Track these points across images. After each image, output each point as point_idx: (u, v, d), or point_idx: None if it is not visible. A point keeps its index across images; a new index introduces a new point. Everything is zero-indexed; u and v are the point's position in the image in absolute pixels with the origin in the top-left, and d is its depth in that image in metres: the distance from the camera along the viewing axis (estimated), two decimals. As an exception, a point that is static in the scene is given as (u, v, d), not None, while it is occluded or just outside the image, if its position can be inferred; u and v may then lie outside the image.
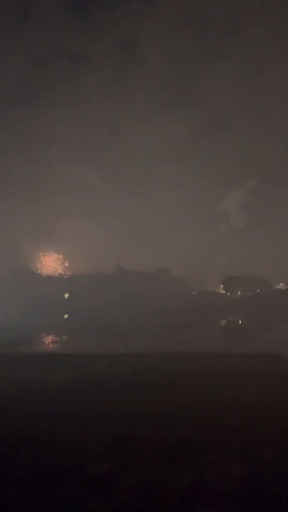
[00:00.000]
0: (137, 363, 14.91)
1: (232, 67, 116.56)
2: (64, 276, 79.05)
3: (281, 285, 76.89)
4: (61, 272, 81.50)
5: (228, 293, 76.41)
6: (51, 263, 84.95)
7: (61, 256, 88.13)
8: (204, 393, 9.79)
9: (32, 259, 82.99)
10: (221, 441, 6.51)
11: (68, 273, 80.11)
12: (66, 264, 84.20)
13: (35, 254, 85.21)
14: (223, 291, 77.84)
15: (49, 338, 28.11)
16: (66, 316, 57.84)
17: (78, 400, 9.22)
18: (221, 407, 8.51)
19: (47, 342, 25.84)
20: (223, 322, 52.21)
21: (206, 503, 4.66)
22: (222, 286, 78.42)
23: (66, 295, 74.58)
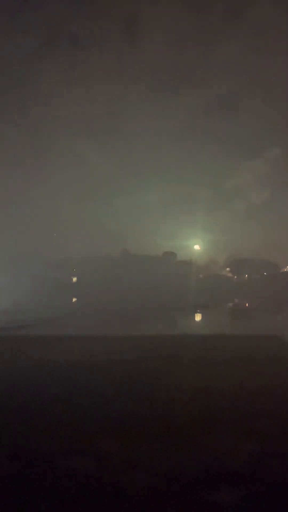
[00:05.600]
0: (143, 344, 15.15)
1: (235, 47, 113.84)
2: (72, 261, 79.44)
3: (288, 268, 76.69)
4: (69, 256, 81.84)
5: (235, 276, 76.45)
6: (59, 247, 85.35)
7: (69, 240, 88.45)
8: (199, 374, 9.99)
9: (41, 243, 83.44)
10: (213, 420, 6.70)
11: (76, 257, 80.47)
12: (75, 249, 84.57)
13: (44, 238, 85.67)
14: (230, 274, 77.87)
15: (57, 321, 28.51)
16: (74, 299, 58.40)
17: (83, 380, 9.47)
18: (213, 387, 8.69)
19: (55, 325, 26.23)
20: (230, 304, 52.41)
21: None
22: (228, 269, 78.45)
23: (74, 279, 75.17)
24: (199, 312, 37.63)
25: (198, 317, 33.50)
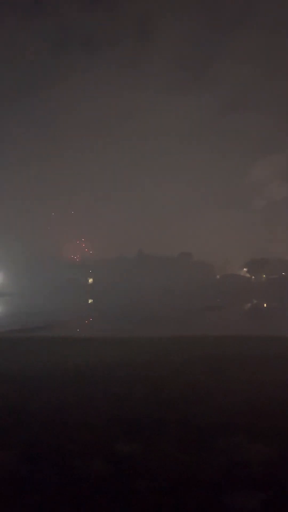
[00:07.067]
0: (158, 346, 15.03)
1: (248, 45, 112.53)
2: (88, 262, 79.93)
3: (307, 268, 75.39)
4: (86, 257, 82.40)
5: (253, 276, 75.59)
6: (75, 249, 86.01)
7: (84, 242, 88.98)
8: (209, 377, 9.79)
9: (57, 245, 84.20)
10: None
11: (92, 258, 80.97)
12: (91, 251, 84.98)
13: (60, 240, 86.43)
14: (247, 274, 77.02)
15: (74, 322, 28.61)
16: (90, 301, 58.63)
17: (99, 381, 9.39)
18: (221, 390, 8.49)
19: (71, 326, 26.32)
20: (248, 305, 51.82)
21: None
22: (246, 269, 77.62)
23: (90, 280, 75.47)
24: (215, 313, 37.25)
25: (214, 319, 33.15)
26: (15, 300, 53.86)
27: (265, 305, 52.51)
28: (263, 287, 66.61)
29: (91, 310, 43.65)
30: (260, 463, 5.15)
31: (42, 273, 71.20)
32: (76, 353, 13.58)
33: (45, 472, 5.01)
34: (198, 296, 53.72)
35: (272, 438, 5.90)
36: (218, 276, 77.06)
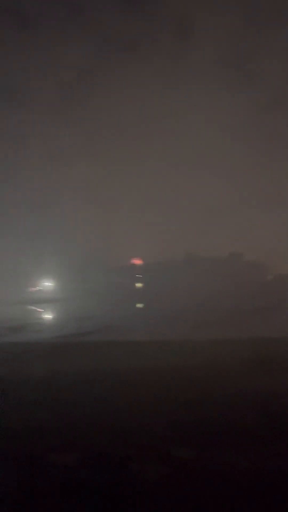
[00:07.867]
0: (209, 349, 14.86)
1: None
2: (136, 266, 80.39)
3: None
4: (133, 261, 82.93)
5: (308, 275, 72.57)
6: (122, 253, 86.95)
7: (132, 245, 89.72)
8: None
9: (104, 249, 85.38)
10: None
11: (140, 262, 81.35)
12: (138, 254, 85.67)
13: (106, 244, 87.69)
14: (302, 274, 74.02)
15: (123, 326, 28.87)
16: (139, 305, 58.87)
17: (155, 384, 9.42)
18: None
19: (121, 330, 26.57)
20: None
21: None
22: (301, 268, 74.66)
23: (139, 285, 75.94)
24: (267, 315, 36.14)
25: (266, 320, 32.18)
26: (66, 305, 55.21)
27: None
28: None
29: (140, 314, 43.87)
30: None
31: (92, 278, 72.51)
32: (127, 357, 13.66)
33: (102, 475, 5.08)
34: (249, 297, 52.33)
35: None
36: (271, 276, 74.62)
